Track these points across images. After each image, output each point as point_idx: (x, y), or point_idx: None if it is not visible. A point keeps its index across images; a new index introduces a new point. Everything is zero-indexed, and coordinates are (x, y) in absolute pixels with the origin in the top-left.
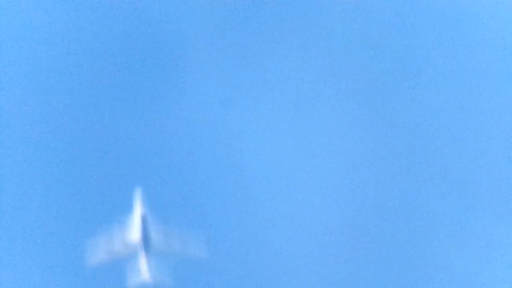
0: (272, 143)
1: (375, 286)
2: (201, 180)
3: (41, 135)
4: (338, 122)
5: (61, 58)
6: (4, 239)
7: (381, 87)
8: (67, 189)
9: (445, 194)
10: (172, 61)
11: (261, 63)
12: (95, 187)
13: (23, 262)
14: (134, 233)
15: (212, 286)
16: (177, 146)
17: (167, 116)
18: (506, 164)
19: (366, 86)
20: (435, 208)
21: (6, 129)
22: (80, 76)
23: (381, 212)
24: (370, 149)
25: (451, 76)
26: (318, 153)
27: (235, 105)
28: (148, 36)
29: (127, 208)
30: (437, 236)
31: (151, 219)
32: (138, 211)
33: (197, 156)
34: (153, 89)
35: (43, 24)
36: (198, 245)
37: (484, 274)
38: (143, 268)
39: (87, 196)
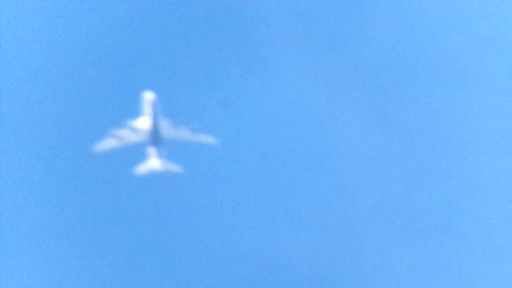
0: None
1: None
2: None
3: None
4: (338, 120)
5: None
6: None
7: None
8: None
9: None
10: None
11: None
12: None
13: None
14: (144, 120)
15: (220, 172)
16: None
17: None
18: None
19: (366, 88)
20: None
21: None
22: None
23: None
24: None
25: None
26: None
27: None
28: (149, 36)
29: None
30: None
31: (161, 114)
32: (148, 100)
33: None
34: None
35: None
36: (207, 134)
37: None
38: (153, 154)
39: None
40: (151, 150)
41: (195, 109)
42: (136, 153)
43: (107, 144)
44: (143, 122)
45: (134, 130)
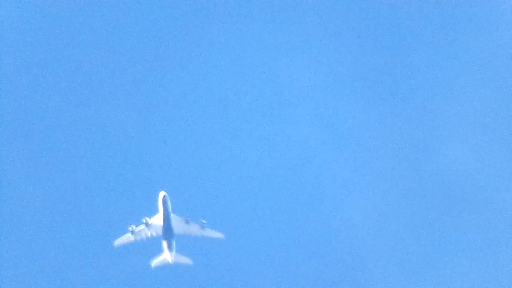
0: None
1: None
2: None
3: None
4: (334, 120)
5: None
6: (52, 236)
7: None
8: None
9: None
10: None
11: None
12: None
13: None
14: (158, 216)
15: (227, 264)
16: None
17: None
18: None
19: (369, 88)
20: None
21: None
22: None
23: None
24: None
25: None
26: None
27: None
28: (147, 36)
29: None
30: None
31: (173, 211)
32: (161, 198)
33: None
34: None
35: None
36: (215, 229)
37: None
38: (165, 248)
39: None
40: (164, 244)
41: (205, 206)
42: (152, 246)
43: (125, 239)
44: (157, 219)
45: (149, 226)
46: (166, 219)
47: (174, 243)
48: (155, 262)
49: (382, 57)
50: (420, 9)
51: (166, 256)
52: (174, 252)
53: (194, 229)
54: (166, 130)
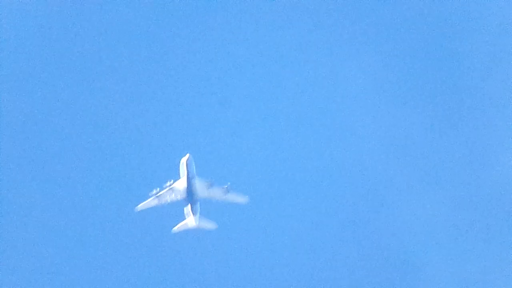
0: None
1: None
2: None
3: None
4: (328, 122)
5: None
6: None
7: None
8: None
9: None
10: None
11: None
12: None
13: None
14: (181, 180)
15: (251, 228)
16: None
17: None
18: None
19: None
20: None
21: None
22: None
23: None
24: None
25: None
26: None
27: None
28: (146, 36)
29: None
30: None
31: (196, 174)
32: (184, 162)
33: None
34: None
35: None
36: (238, 193)
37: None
38: (189, 212)
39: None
40: (188, 208)
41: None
42: (175, 210)
43: (148, 202)
44: (180, 183)
45: (172, 189)
46: (190, 182)
47: (198, 206)
48: (178, 226)
49: (440, 60)
50: (480, 12)
51: (190, 219)
52: (198, 216)
53: (217, 192)
54: (198, 98)
